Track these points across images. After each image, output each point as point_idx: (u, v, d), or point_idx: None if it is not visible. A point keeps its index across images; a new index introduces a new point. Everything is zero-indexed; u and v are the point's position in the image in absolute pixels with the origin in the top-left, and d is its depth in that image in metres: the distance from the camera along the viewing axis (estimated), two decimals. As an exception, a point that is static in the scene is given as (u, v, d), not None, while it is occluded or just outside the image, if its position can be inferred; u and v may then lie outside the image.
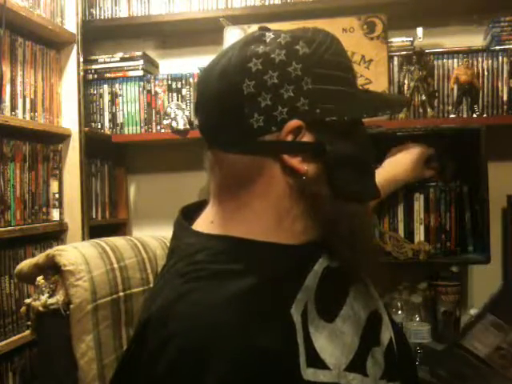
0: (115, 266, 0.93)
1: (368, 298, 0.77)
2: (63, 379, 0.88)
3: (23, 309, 0.92)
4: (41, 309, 0.87)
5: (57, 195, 1.74)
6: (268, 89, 0.65)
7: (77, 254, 0.90)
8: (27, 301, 0.91)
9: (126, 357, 0.69)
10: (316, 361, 0.63)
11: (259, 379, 0.57)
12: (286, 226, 0.70)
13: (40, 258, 0.92)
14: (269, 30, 0.71)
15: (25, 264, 0.95)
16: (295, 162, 0.67)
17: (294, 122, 0.66)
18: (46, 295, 0.88)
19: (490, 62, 1.74)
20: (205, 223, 0.74)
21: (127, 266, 0.94)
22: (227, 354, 0.57)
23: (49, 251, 0.91)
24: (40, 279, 0.90)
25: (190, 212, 0.79)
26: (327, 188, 0.69)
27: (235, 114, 0.67)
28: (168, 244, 0.86)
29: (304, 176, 0.67)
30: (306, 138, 0.67)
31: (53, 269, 0.90)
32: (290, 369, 0.61)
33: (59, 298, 0.87)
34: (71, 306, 0.86)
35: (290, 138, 0.67)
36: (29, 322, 0.92)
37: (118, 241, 1.00)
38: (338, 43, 0.71)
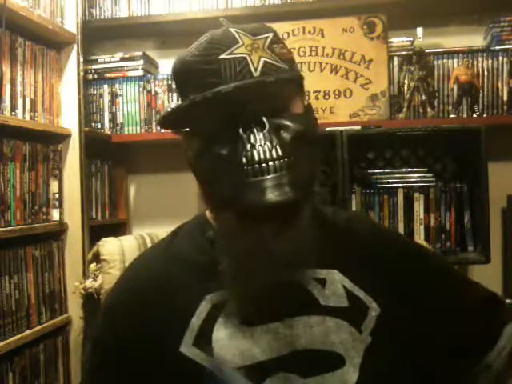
0: None
1: (327, 334, 0.67)
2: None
3: (72, 290, 1.17)
4: (82, 291, 1.02)
5: (57, 195, 1.74)
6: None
7: (116, 244, 1.02)
8: (76, 283, 1.09)
9: None
10: (204, 345, 0.67)
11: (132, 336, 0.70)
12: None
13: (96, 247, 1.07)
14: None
15: (91, 253, 1.12)
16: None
17: None
18: (90, 280, 1.02)
19: (489, 61, 1.74)
20: None
21: None
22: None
23: (98, 242, 1.06)
24: (92, 266, 1.05)
25: None
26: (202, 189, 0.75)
27: None
28: None
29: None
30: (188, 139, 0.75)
31: (98, 257, 1.04)
32: (166, 338, 0.68)
33: (96, 283, 1.00)
34: (102, 290, 0.97)
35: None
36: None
37: (161, 234, 1.10)
38: (197, 52, 0.69)
